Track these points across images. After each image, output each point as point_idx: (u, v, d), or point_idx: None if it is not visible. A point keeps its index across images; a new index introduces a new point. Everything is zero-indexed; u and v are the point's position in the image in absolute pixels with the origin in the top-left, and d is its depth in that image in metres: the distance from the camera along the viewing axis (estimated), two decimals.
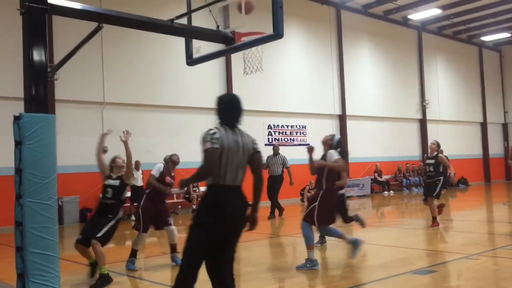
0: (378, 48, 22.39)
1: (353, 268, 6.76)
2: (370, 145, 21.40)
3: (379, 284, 5.63)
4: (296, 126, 19.03)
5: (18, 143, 4.79)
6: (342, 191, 7.84)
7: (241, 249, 8.58)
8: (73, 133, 13.51)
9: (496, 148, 28.20)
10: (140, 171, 13.81)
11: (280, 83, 18.29)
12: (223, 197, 3.71)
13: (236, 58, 12.99)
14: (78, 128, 13.68)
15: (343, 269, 6.67)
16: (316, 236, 7.48)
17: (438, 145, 10.12)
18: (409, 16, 22.58)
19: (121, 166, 6.41)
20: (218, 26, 6.42)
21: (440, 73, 25.62)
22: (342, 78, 20.48)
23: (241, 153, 3.80)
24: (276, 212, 13.34)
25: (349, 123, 20.56)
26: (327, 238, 8.11)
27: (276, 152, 13.27)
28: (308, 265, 6.48)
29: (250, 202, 3.88)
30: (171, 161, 7.30)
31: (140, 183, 13.49)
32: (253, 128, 17.32)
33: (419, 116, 24.08)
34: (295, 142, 18.62)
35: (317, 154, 7.12)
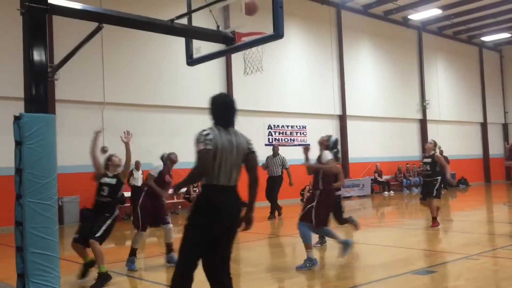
0: (378, 48, 22.39)
1: (353, 268, 6.76)
2: (370, 145, 21.40)
3: (379, 284, 5.62)
4: (296, 126, 19.03)
5: (18, 143, 4.79)
6: (338, 192, 7.86)
7: (241, 249, 8.59)
8: (73, 133, 13.51)
9: (496, 148, 28.19)
10: (140, 171, 13.81)
11: (280, 83, 18.29)
12: (216, 197, 3.72)
13: (236, 58, 12.99)
14: (78, 128, 13.67)
15: (343, 269, 6.67)
16: (315, 236, 7.49)
17: (435, 145, 10.14)
18: (409, 16, 22.58)
19: (118, 164, 6.38)
20: (218, 26, 6.42)
21: (440, 73, 25.63)
22: (342, 78, 20.48)
23: (235, 153, 3.80)
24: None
25: (349, 123, 20.56)
26: (327, 238, 8.11)
27: (275, 153, 13.25)
28: (307, 264, 6.48)
29: (246, 202, 3.88)
30: (169, 160, 7.28)
31: (140, 183, 13.48)
32: (253, 128, 17.37)
33: (419, 116, 24.08)
34: (295, 142, 18.61)
35: (315, 154, 7.13)
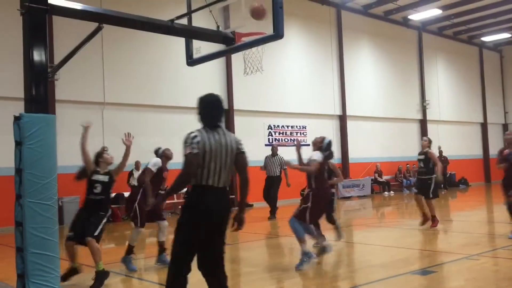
0: (379, 48, 22.39)
1: (353, 268, 6.77)
2: (370, 146, 21.39)
3: (379, 285, 5.62)
4: (296, 126, 19.03)
5: (18, 143, 4.80)
6: (332, 190, 7.90)
7: (241, 250, 8.60)
8: (74, 133, 13.42)
9: (496, 148, 27.98)
10: (140, 171, 13.80)
11: (280, 83, 18.28)
12: (205, 198, 3.74)
13: (236, 58, 12.99)
14: (78, 128, 13.43)
15: (343, 269, 6.67)
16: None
17: (430, 142, 10.13)
18: (409, 17, 22.58)
19: (110, 162, 6.27)
20: (218, 27, 6.43)
21: (440, 73, 25.62)
22: (343, 78, 20.47)
23: (225, 154, 3.81)
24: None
25: (349, 124, 20.55)
26: (327, 238, 8.10)
27: (274, 153, 13.25)
28: (305, 260, 6.46)
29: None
30: (164, 156, 7.18)
31: None
32: (253, 128, 17.41)
33: (419, 116, 24.08)
34: (296, 143, 18.60)
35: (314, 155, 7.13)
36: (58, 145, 5.07)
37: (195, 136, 3.73)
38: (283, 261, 7.41)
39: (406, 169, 22.52)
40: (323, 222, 7.83)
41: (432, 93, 24.73)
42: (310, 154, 7.07)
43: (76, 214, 6.20)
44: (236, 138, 3.96)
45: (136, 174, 13.63)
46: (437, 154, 21.66)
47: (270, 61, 14.30)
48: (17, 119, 4.80)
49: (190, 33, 6.57)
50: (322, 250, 6.80)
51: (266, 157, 13.32)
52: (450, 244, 8.55)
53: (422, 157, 9.92)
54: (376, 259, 7.20)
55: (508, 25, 24.67)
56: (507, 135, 8.78)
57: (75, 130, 13.71)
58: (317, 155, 6.90)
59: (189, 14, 6.54)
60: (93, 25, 5.52)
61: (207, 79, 16.08)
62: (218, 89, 16.35)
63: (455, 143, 25.22)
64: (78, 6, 5.44)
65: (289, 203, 15.53)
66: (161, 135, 15.03)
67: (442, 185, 22.23)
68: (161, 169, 7.06)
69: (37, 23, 4.98)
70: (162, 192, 7.14)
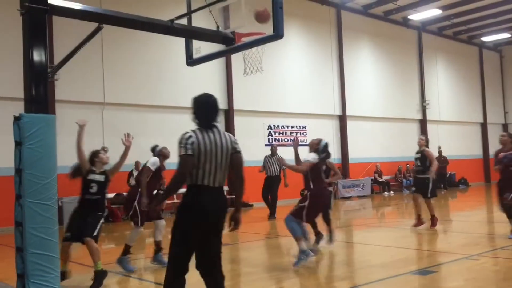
0: (378, 48, 22.39)
1: (353, 268, 6.77)
2: (370, 146, 21.39)
3: (379, 285, 5.62)
4: (296, 126, 19.03)
5: (18, 144, 4.79)
6: (329, 188, 7.92)
7: (241, 250, 8.60)
8: (74, 133, 13.29)
9: (496, 148, 28.14)
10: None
11: (280, 84, 18.28)
12: (200, 198, 3.74)
13: (236, 58, 12.99)
14: (78, 128, 13.64)
15: (343, 269, 6.67)
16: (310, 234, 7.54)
17: (427, 141, 10.12)
18: (409, 17, 22.59)
19: (105, 162, 6.24)
20: (218, 27, 6.43)
21: (440, 73, 25.63)
22: (342, 78, 20.47)
23: (220, 153, 3.80)
24: (262, 212, 13.24)
25: (349, 124, 20.56)
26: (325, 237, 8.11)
27: (273, 153, 13.26)
28: (302, 258, 6.46)
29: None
30: (162, 155, 7.17)
31: None
32: (253, 128, 17.40)
33: (419, 116, 24.08)
34: (294, 140, 18.61)
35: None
36: (58, 145, 5.07)
37: (190, 137, 3.73)
38: (283, 261, 7.40)
39: (406, 169, 22.52)
40: (319, 221, 7.83)
41: (432, 93, 24.73)
42: (306, 155, 7.10)
43: (72, 214, 6.14)
44: (232, 137, 3.95)
45: (136, 174, 13.63)
46: (436, 154, 21.82)
47: (270, 61, 14.30)
48: (17, 119, 4.80)
49: (190, 33, 6.57)
50: (303, 254, 6.72)
51: (265, 157, 13.35)
52: (450, 244, 8.55)
53: (418, 155, 9.92)
54: (376, 259, 7.20)
55: (508, 25, 24.68)
56: (502, 137, 8.76)
57: (75, 130, 13.59)
58: (312, 156, 6.92)
59: (189, 14, 6.54)
60: (93, 25, 5.52)
61: (207, 79, 16.08)
62: (218, 89, 16.35)
63: (455, 143, 25.22)
64: (78, 6, 5.43)
65: (289, 203, 15.53)
66: (161, 135, 15.02)
67: (442, 185, 22.27)
68: (160, 169, 7.06)
69: (37, 23, 4.98)
70: (162, 192, 7.14)
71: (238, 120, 16.76)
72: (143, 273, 6.75)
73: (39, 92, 4.94)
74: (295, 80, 18.91)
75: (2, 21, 12.27)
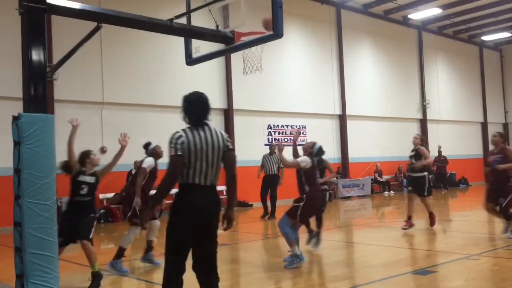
0: (378, 47, 22.37)
1: (353, 268, 6.75)
2: (370, 145, 21.37)
3: (379, 285, 5.61)
4: (296, 126, 19.00)
5: (17, 143, 4.78)
6: (324, 187, 7.93)
7: (241, 250, 8.59)
8: None
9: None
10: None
11: (280, 83, 18.26)
12: (192, 196, 3.71)
13: (236, 58, 12.96)
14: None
15: (343, 269, 6.65)
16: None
17: (422, 139, 10.08)
18: (409, 16, 22.56)
19: (96, 164, 6.19)
20: (217, 26, 6.42)
21: (440, 72, 25.60)
22: (342, 78, 20.45)
23: (211, 152, 3.77)
24: (261, 211, 13.23)
25: (349, 123, 20.53)
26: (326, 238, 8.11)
27: (272, 151, 13.26)
28: (295, 261, 6.49)
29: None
30: (155, 153, 7.15)
31: None
32: (252, 128, 17.38)
33: (419, 116, 24.06)
34: (295, 133, 18.60)
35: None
36: (57, 145, 5.06)
37: (180, 137, 3.71)
38: (282, 261, 7.39)
39: (406, 168, 22.49)
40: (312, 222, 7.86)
41: (432, 93, 24.71)
42: (300, 159, 7.12)
43: (62, 217, 6.03)
44: (225, 135, 3.92)
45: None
46: (435, 154, 21.80)
47: (269, 60, 14.27)
48: (15, 119, 4.79)
49: (189, 33, 6.55)
50: (296, 259, 6.67)
51: (264, 156, 13.37)
52: (450, 244, 8.54)
53: (413, 153, 9.90)
54: (376, 259, 7.18)
55: (508, 24, 24.65)
56: (493, 137, 8.70)
57: None
58: (304, 158, 6.93)
59: (188, 13, 6.52)
60: (92, 25, 5.51)
61: (206, 78, 16.05)
62: (218, 89, 16.34)
63: (455, 142, 25.20)
64: (76, 5, 5.42)
65: (288, 203, 15.52)
66: (161, 135, 14.94)
67: (442, 185, 22.25)
68: (155, 169, 7.04)
69: (36, 23, 4.96)
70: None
71: (237, 120, 16.74)
72: (142, 273, 6.73)
73: (38, 92, 4.93)
74: (294, 79, 18.89)
75: (1, 21, 12.24)
